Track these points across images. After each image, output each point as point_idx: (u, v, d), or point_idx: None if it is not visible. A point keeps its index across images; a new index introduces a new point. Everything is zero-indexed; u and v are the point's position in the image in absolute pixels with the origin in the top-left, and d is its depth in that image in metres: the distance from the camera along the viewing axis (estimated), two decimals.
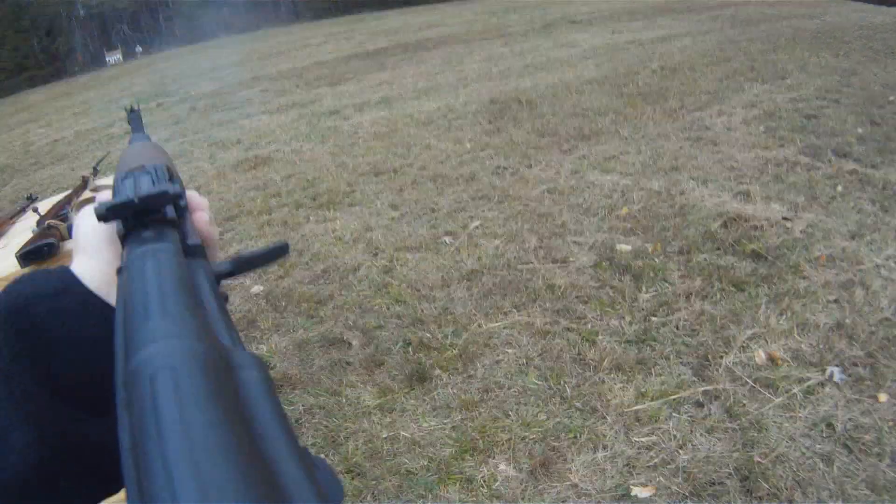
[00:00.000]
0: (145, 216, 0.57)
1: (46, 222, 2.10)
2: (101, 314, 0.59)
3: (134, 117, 1.47)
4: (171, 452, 0.28)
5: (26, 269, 1.93)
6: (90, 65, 57.14)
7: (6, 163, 12.58)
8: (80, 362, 0.58)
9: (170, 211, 0.58)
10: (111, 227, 0.60)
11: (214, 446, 0.28)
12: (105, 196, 0.71)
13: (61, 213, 2.35)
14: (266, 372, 0.37)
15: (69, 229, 2.02)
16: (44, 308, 0.58)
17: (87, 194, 2.66)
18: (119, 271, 0.52)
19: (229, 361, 0.36)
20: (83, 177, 3.02)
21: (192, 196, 0.73)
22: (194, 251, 0.57)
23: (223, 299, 0.52)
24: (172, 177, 0.73)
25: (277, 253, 0.65)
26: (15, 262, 1.95)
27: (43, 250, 1.95)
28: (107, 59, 55.76)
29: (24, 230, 2.49)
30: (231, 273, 0.60)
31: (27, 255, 1.93)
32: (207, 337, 0.38)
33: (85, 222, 0.67)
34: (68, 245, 2.06)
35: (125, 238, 0.56)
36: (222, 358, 0.36)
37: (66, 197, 2.73)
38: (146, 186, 0.64)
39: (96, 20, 65.77)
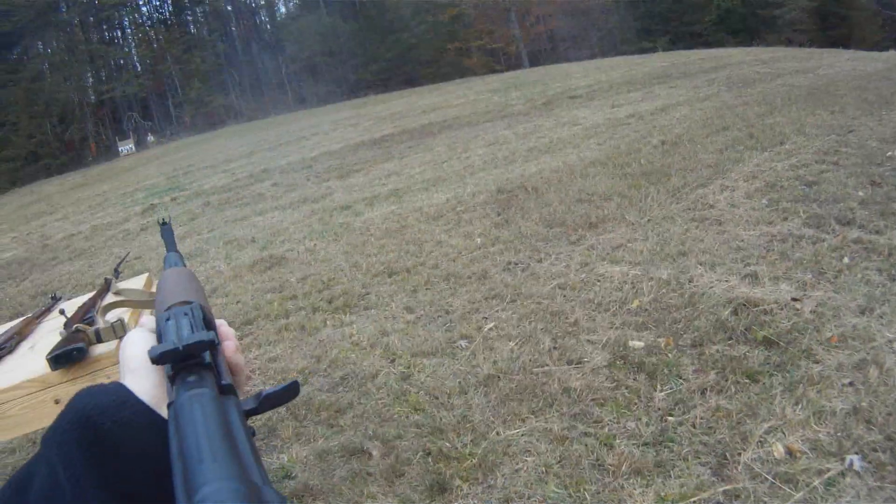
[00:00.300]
0: (188, 359, 0.69)
1: (74, 326, 2.16)
2: (157, 427, 0.66)
3: (166, 231, 1.58)
4: None
5: (57, 373, 2.03)
6: (104, 154, 57.70)
7: (25, 256, 12.72)
8: (140, 472, 0.64)
9: (206, 356, 0.72)
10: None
11: None
12: (146, 321, 0.90)
13: (87, 316, 2.41)
14: None
15: (96, 334, 2.10)
16: (108, 420, 0.65)
17: (110, 297, 2.70)
18: (169, 406, 0.64)
19: (261, 498, 0.48)
20: (105, 279, 3.09)
21: (221, 325, 0.87)
22: (227, 390, 0.69)
23: (252, 434, 0.63)
24: (206, 316, 0.86)
25: (293, 391, 0.77)
26: (44, 363, 2.00)
27: (73, 354, 2.01)
28: (119, 149, 56.37)
29: (50, 331, 2.58)
30: (256, 411, 0.72)
31: (58, 359, 1.99)
32: (245, 478, 0.50)
33: (132, 347, 0.79)
34: (97, 349, 2.12)
35: (172, 378, 0.69)
36: (256, 496, 0.48)
37: (90, 299, 2.80)
38: (186, 331, 0.79)
39: (108, 107, 66.64)
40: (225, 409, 0.62)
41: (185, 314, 0.84)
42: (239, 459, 0.53)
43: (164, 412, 0.67)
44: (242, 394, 0.78)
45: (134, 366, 0.76)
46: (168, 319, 0.83)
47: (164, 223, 1.66)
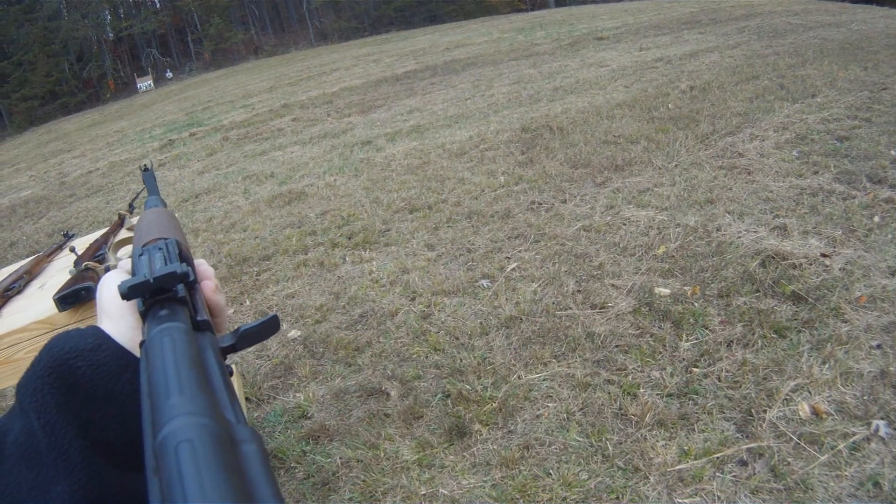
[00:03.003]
0: (160, 294, 0.67)
1: (84, 264, 2.10)
2: (133, 369, 0.65)
3: (147, 177, 1.54)
4: None
5: (64, 312, 1.96)
6: (123, 91, 57.66)
7: (42, 194, 12.75)
8: (117, 415, 0.63)
9: (180, 290, 0.69)
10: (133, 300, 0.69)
11: None
12: (124, 263, 0.89)
13: (98, 254, 2.35)
14: (262, 445, 0.44)
15: (106, 271, 2.02)
16: (83, 364, 0.64)
17: (123, 233, 2.65)
18: (141, 344, 0.60)
19: (233, 436, 0.44)
20: (119, 214, 3.03)
21: (200, 265, 0.83)
22: (203, 326, 0.67)
23: (228, 373, 0.59)
24: (182, 252, 0.82)
25: (272, 327, 0.73)
26: (52, 304, 1.94)
27: (81, 294, 1.94)
28: (138, 86, 56.24)
29: (60, 270, 2.52)
30: (234, 348, 0.70)
31: (65, 299, 1.92)
32: (216, 414, 0.46)
33: (107, 290, 0.76)
34: None
35: (144, 314, 0.66)
36: (228, 433, 0.44)
37: (102, 236, 2.71)
38: (159, 265, 0.75)
39: (126, 44, 66.37)
40: (199, 345, 0.59)
41: (160, 249, 0.81)
42: (211, 394, 0.50)
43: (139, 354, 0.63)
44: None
45: (109, 308, 0.74)
46: (141, 255, 0.80)
47: (145, 169, 1.65)
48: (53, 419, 0.60)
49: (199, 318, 0.67)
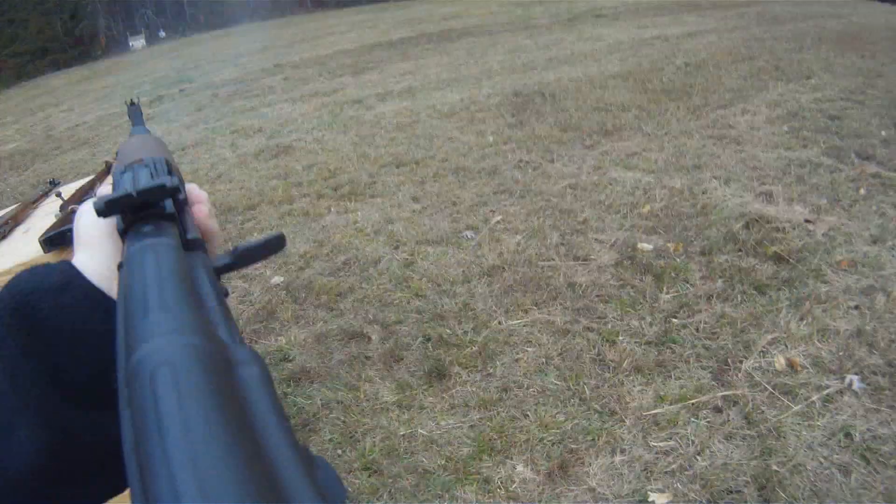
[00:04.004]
0: (144, 210, 0.57)
1: (70, 207, 2.09)
2: (105, 309, 0.59)
3: (134, 111, 1.48)
4: (172, 451, 0.28)
5: (49, 255, 1.94)
6: (114, 49, 57.33)
7: (27, 147, 12.63)
8: (86, 358, 0.58)
9: (168, 205, 0.59)
10: (111, 222, 0.62)
11: (215, 445, 0.29)
12: (105, 190, 0.72)
13: (85, 198, 2.32)
14: (265, 368, 0.37)
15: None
16: (48, 303, 0.58)
17: (110, 180, 2.64)
18: (119, 266, 0.53)
19: (228, 357, 0.36)
20: (106, 162, 3.00)
21: (192, 189, 0.75)
22: (194, 245, 0.59)
23: (223, 294, 0.52)
24: (171, 170, 0.73)
25: (275, 244, 0.65)
26: (38, 247, 1.92)
27: (66, 235, 1.89)
28: (130, 43, 55.88)
29: (46, 215, 2.47)
30: (231, 267, 0.61)
31: (50, 241, 1.90)
32: (206, 332, 0.38)
33: (85, 217, 0.67)
34: None
35: (125, 234, 0.57)
36: (221, 354, 0.36)
37: (89, 182, 2.70)
38: (144, 180, 0.66)
39: (120, 4, 65.99)
40: (189, 263, 0.52)
41: (146, 166, 0.71)
42: (202, 312, 0.42)
43: (115, 293, 0.56)
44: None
45: (85, 237, 0.65)
46: (124, 172, 0.72)
47: (132, 103, 1.55)
48: (15, 363, 0.57)
49: (189, 236, 0.59)
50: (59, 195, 2.38)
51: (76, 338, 0.58)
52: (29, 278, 0.60)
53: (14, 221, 2.48)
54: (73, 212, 2.02)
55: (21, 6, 58.24)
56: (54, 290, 0.59)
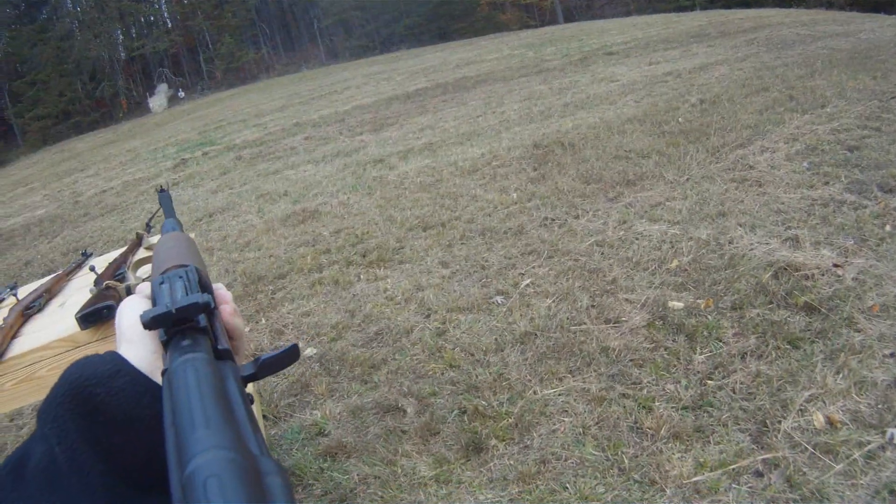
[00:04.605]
0: (182, 323, 0.67)
1: (105, 283, 2.12)
2: (152, 394, 0.65)
3: (164, 198, 1.55)
4: None
5: (86, 332, 1.98)
6: (135, 111, 57.96)
7: (56, 213, 12.83)
8: (137, 440, 0.63)
9: (202, 319, 0.69)
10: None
11: None
12: (142, 287, 0.87)
13: (118, 273, 2.36)
14: (286, 478, 0.45)
15: (127, 291, 2.04)
16: (103, 389, 0.64)
17: (141, 253, 2.66)
18: (164, 373, 0.60)
19: (258, 468, 0.45)
20: (137, 234, 3.05)
21: (218, 290, 0.84)
22: (223, 355, 0.67)
23: (250, 401, 0.59)
24: (202, 279, 0.82)
25: (291, 356, 0.74)
26: (73, 322, 1.96)
27: (102, 313, 1.95)
28: (150, 105, 56.54)
29: (80, 288, 2.54)
30: (255, 377, 0.70)
31: (86, 317, 1.94)
32: (241, 446, 0.47)
33: (128, 315, 0.77)
34: None
35: (166, 343, 0.66)
36: (253, 465, 0.44)
37: (121, 255, 2.72)
38: (180, 294, 0.76)
39: (138, 63, 66.73)
40: (221, 375, 0.60)
41: (180, 277, 0.82)
42: (235, 427, 0.51)
43: (160, 380, 0.65)
44: (244, 359, 0.77)
45: (129, 334, 0.75)
46: (162, 283, 0.81)
47: (162, 190, 1.65)
48: (74, 444, 0.61)
49: (219, 347, 0.68)
50: (92, 268, 2.41)
51: (128, 420, 0.63)
52: (84, 367, 0.66)
53: (49, 294, 2.54)
54: (108, 287, 2.06)
55: (41, 67, 59.09)
56: (107, 376, 0.65)
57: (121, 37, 69.18)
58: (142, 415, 0.64)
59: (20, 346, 2.05)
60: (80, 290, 2.48)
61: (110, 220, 10.85)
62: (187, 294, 0.76)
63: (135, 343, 0.73)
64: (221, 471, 0.43)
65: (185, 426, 0.49)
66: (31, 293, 2.48)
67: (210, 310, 0.71)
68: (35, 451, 0.64)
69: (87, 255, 3.19)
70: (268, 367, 0.72)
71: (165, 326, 0.67)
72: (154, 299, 0.81)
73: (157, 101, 56.84)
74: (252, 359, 0.72)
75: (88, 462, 0.60)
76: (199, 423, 0.49)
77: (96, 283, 2.17)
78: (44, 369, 1.99)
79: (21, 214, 14.09)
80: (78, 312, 1.95)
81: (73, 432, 0.61)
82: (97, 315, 1.96)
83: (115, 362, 0.68)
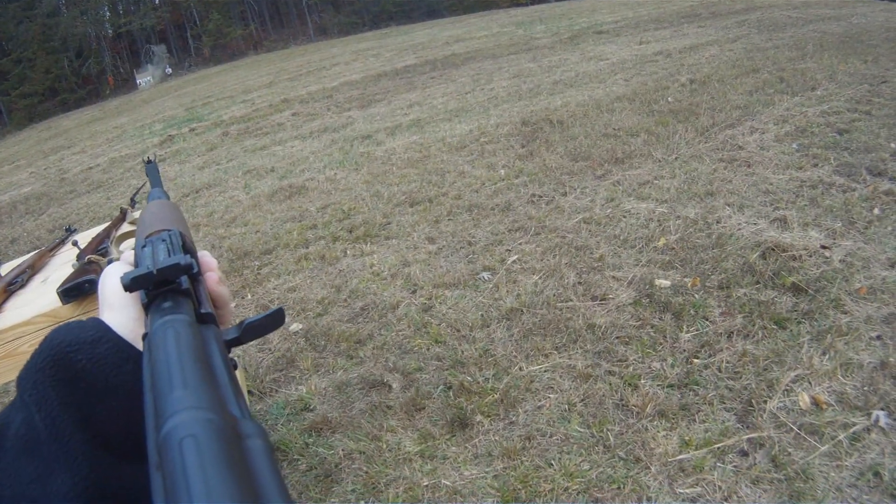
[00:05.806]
0: (163, 285, 0.66)
1: (87, 257, 2.10)
2: (134, 361, 0.64)
3: (151, 169, 1.53)
4: None
5: (68, 306, 1.97)
6: (122, 88, 57.70)
7: (42, 191, 12.75)
8: (118, 408, 0.62)
9: (184, 281, 0.68)
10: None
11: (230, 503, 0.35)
12: (127, 255, 0.86)
13: (101, 247, 2.35)
14: (267, 440, 0.43)
15: (109, 264, 2.01)
16: (84, 356, 0.63)
17: (125, 227, 2.64)
18: (144, 337, 0.60)
19: (238, 430, 0.43)
20: (121, 209, 3.03)
21: (203, 257, 0.83)
22: (206, 319, 0.65)
23: (233, 366, 0.57)
24: (186, 243, 0.81)
25: (276, 320, 0.71)
26: (55, 297, 1.95)
27: (84, 287, 1.95)
28: (138, 82, 56.27)
29: (63, 264, 2.53)
30: (239, 341, 0.68)
31: (68, 292, 1.93)
32: (220, 408, 0.45)
33: (110, 282, 0.75)
34: None
35: (147, 306, 0.65)
36: (232, 427, 0.43)
37: (104, 230, 2.72)
38: (163, 256, 0.75)
39: (125, 40, 66.36)
40: (203, 338, 0.58)
41: (163, 240, 0.80)
42: (216, 389, 0.49)
43: (142, 346, 0.63)
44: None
45: (111, 300, 0.73)
46: (144, 247, 0.80)
47: (149, 161, 1.63)
48: (54, 412, 0.60)
49: (202, 311, 0.66)
50: (75, 244, 2.41)
51: (109, 388, 0.63)
52: (65, 333, 0.65)
53: (32, 270, 2.52)
54: (90, 262, 2.04)
55: (27, 45, 58.75)
56: (89, 343, 0.64)
57: (108, 13, 68.78)
58: (123, 382, 0.63)
59: (2, 321, 2.04)
60: (63, 266, 2.47)
61: (96, 197, 10.80)
62: (170, 256, 0.75)
63: (116, 309, 0.71)
64: (199, 431, 0.41)
65: (163, 387, 0.48)
66: (13, 269, 2.46)
67: (193, 273, 0.69)
68: (14, 418, 0.63)
69: (71, 231, 3.17)
70: (252, 330, 0.69)
71: (146, 288, 0.65)
72: (136, 263, 0.80)
73: (145, 77, 56.57)
74: (236, 324, 0.70)
75: (68, 429, 0.60)
76: (178, 383, 0.47)
77: (78, 257, 2.16)
78: (25, 345, 1.98)
79: (7, 192, 14.04)
80: (59, 287, 1.94)
81: (53, 399, 0.60)
82: (79, 289, 1.95)
83: (98, 329, 0.67)
